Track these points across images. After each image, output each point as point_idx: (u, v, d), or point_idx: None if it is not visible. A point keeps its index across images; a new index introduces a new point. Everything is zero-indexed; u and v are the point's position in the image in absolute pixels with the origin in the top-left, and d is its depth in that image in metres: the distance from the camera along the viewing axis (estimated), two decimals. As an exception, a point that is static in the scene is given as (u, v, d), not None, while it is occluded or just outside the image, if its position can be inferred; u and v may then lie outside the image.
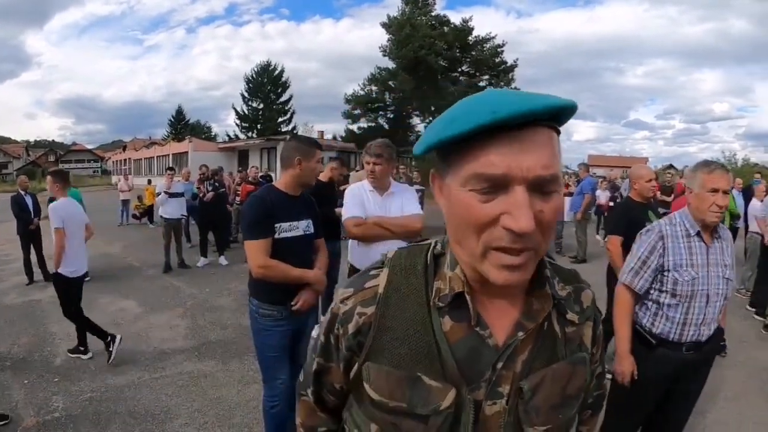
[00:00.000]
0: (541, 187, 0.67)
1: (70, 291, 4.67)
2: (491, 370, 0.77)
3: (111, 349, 4.60)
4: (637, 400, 2.47)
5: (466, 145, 0.68)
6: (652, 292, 2.39)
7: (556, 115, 0.70)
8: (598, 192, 12.52)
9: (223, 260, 9.33)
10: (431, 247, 0.87)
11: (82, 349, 4.77)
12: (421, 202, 10.48)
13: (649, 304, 2.41)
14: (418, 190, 10.84)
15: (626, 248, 3.98)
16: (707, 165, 2.33)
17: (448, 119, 0.70)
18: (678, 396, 2.49)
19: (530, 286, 0.81)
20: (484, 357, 0.77)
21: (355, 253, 3.31)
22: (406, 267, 0.85)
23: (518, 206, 0.65)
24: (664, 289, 2.33)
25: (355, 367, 0.84)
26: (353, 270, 3.23)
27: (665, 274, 2.31)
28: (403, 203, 3.18)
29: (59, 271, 4.55)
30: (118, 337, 4.68)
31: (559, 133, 0.72)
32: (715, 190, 2.22)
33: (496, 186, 0.66)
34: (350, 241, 3.27)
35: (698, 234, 2.30)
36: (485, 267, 0.71)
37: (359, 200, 3.12)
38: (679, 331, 2.31)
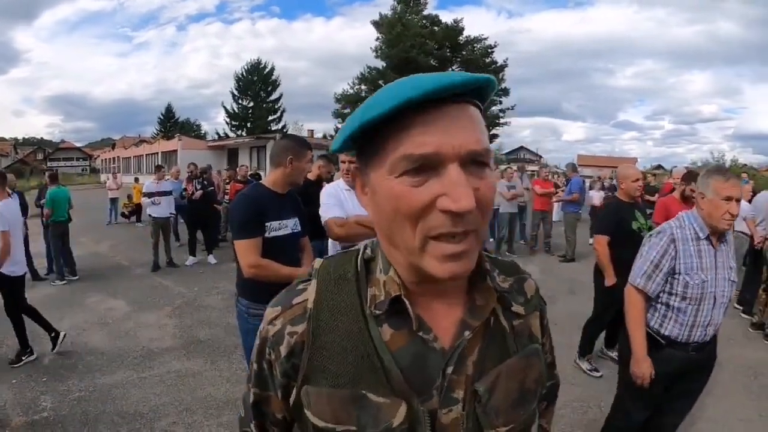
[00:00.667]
0: (474, 162, 0.64)
1: (14, 290, 4.71)
2: (441, 376, 0.72)
3: (56, 344, 4.80)
4: (642, 399, 2.49)
5: (389, 129, 0.64)
6: (661, 294, 2.39)
7: (478, 91, 0.67)
8: (592, 192, 12.48)
9: (211, 259, 9.31)
10: (360, 253, 0.81)
11: (28, 350, 4.79)
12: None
13: (658, 306, 2.42)
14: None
15: (612, 248, 4.04)
16: (722, 173, 2.34)
17: (367, 105, 0.65)
18: (679, 394, 2.52)
19: (471, 282, 0.78)
20: (431, 363, 0.72)
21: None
22: (336, 277, 0.79)
23: (455, 185, 0.61)
24: (674, 291, 2.34)
25: (294, 392, 0.77)
26: None
27: (676, 277, 2.32)
28: None
29: (2, 271, 4.54)
30: (62, 334, 4.93)
31: (481, 110, 0.69)
32: (729, 198, 2.24)
33: (427, 167, 0.63)
34: (329, 242, 3.23)
35: (707, 237, 2.32)
36: (426, 261, 0.66)
37: (337, 200, 3.09)
38: (687, 332, 2.33)
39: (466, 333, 0.74)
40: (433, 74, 0.63)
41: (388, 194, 0.66)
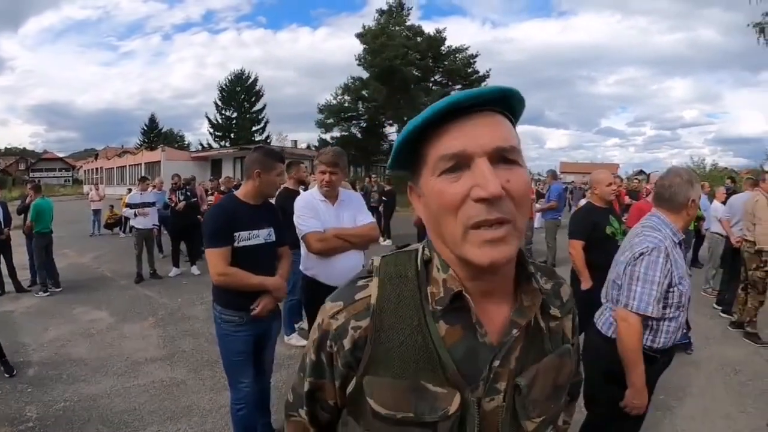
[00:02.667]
0: (503, 158, 0.73)
1: None
2: (488, 369, 0.79)
3: None
4: (641, 416, 2.40)
5: (427, 138, 0.76)
6: None
7: (506, 101, 0.77)
8: (582, 201, 12.58)
9: (195, 270, 9.29)
10: (420, 253, 0.87)
11: None
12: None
13: (650, 322, 2.27)
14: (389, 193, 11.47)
15: (586, 252, 4.09)
16: (693, 174, 2.41)
17: (406, 125, 0.77)
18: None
19: (517, 283, 0.85)
20: (480, 356, 0.79)
21: (310, 263, 3.20)
22: (397, 275, 0.85)
23: (483, 174, 0.70)
24: (668, 304, 2.25)
25: (353, 382, 0.84)
26: (310, 281, 3.19)
27: (671, 290, 2.24)
28: (355, 213, 3.21)
29: None
30: None
31: (512, 121, 0.79)
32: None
33: (461, 165, 0.73)
34: (302, 251, 3.20)
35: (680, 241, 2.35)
36: (467, 249, 0.73)
37: (314, 211, 3.09)
38: (674, 337, 2.32)
39: (514, 331, 0.81)
40: (466, 90, 0.75)
41: (433, 192, 0.76)
